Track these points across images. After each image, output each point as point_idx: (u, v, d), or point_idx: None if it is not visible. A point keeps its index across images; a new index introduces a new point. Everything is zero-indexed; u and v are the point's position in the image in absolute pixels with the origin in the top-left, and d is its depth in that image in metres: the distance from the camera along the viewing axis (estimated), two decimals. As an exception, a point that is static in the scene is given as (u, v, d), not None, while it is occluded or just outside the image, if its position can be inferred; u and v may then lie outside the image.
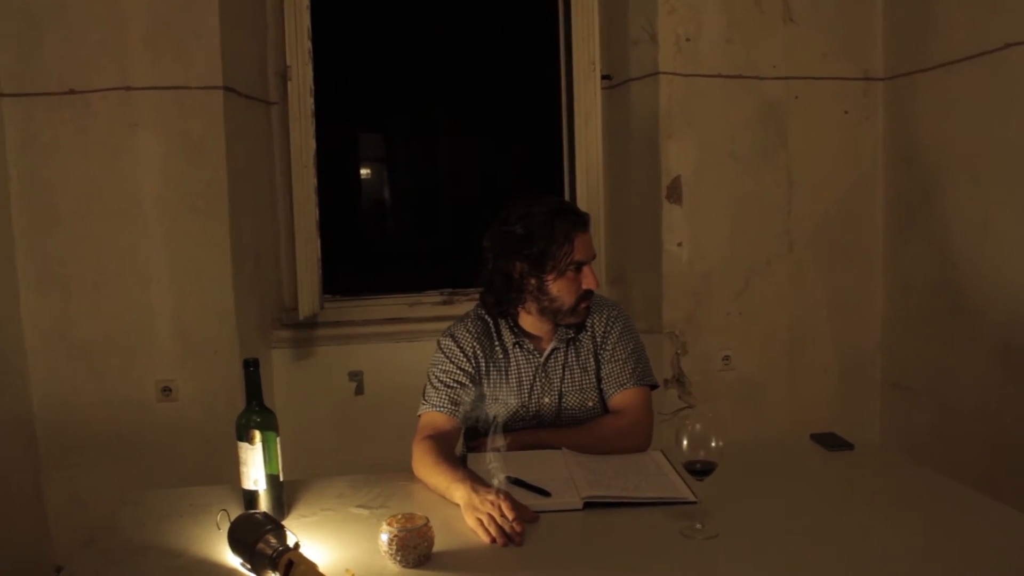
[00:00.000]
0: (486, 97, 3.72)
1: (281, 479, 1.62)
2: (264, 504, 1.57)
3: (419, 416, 1.93)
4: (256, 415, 1.58)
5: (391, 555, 1.37)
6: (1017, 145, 2.69)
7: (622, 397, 1.98)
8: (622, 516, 1.57)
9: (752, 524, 1.53)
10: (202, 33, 2.90)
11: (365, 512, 1.64)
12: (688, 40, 3.16)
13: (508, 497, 1.52)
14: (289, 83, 2.95)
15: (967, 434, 2.98)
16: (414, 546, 1.37)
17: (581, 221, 1.90)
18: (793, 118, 3.27)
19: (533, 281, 1.89)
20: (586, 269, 1.90)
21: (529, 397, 1.98)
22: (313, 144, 2.94)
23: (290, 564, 1.29)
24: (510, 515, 1.47)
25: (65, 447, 2.98)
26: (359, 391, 3.35)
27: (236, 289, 3.00)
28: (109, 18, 2.85)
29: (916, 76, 3.12)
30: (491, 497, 1.52)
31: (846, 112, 3.31)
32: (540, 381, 1.98)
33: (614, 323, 2.02)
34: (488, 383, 1.96)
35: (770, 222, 3.29)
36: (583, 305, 1.93)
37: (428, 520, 1.41)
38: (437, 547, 1.43)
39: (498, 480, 1.53)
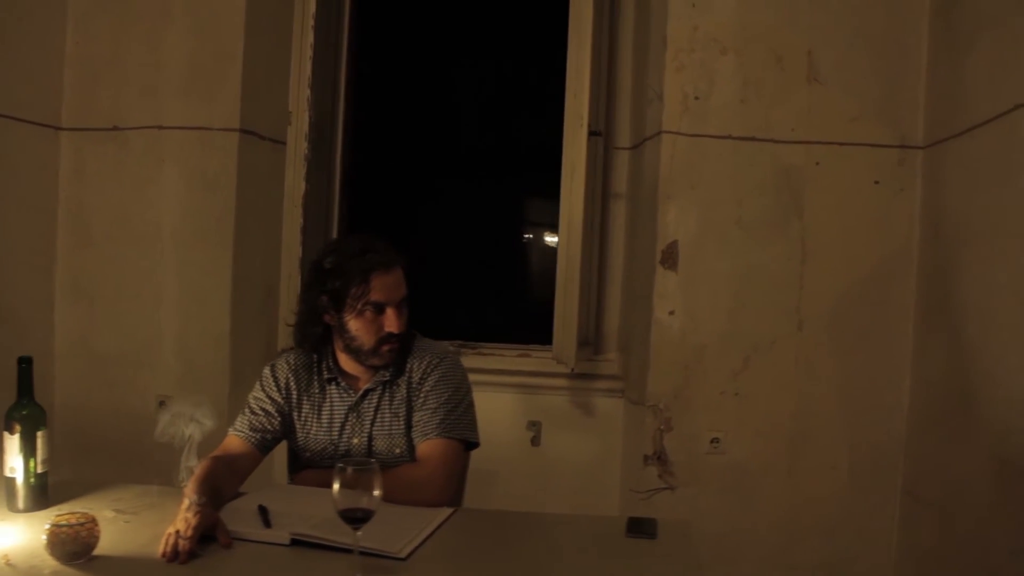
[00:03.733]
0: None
1: (41, 471, 1.88)
2: (21, 492, 1.85)
3: None
4: (23, 409, 1.83)
5: (47, 548, 1.55)
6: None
7: (424, 447, 2.01)
8: (319, 558, 1.62)
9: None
10: (226, 79, 3.31)
11: (113, 515, 1.81)
12: (697, 99, 3.13)
13: (201, 517, 1.62)
14: (289, 128, 3.30)
15: (971, 561, 2.68)
16: (64, 543, 1.51)
17: (384, 262, 1.97)
18: (812, 186, 3.11)
19: (334, 318, 2.01)
20: (389, 311, 1.98)
21: (339, 436, 2.06)
22: (303, 186, 3.23)
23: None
24: (185, 534, 1.60)
25: (76, 447, 3.46)
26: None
27: (234, 317, 3.34)
28: (152, 62, 3.33)
29: (950, 143, 2.90)
30: (187, 514, 1.64)
31: (877, 182, 3.10)
32: (351, 421, 2.07)
33: (433, 370, 2.07)
34: (299, 416, 2.08)
35: (778, 297, 3.12)
36: (385, 347, 2.00)
37: (93, 521, 1.56)
38: (111, 551, 1.58)
39: (190, 499, 1.69)
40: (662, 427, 3.15)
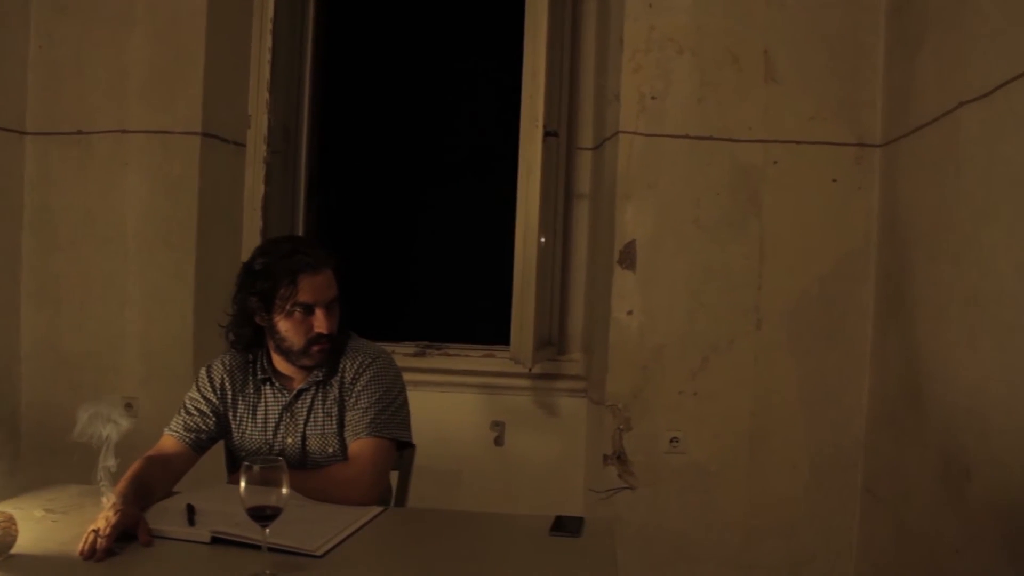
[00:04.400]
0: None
1: None
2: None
3: None
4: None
5: None
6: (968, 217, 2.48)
7: (355, 446, 2.05)
8: (237, 555, 1.65)
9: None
10: (188, 82, 3.35)
11: (42, 514, 1.86)
12: (654, 99, 3.15)
13: (121, 516, 1.66)
14: (248, 131, 3.35)
15: (922, 560, 2.70)
16: None
17: (311, 263, 2.01)
18: (770, 185, 3.13)
19: (265, 319, 2.04)
20: (318, 312, 2.01)
21: (274, 436, 2.10)
22: (263, 188, 3.27)
23: None
24: (103, 532, 1.62)
25: (43, 447, 3.51)
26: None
27: (197, 318, 3.38)
28: (114, 67, 3.37)
29: (904, 141, 2.92)
30: (107, 513, 1.68)
31: (835, 181, 3.12)
32: (285, 421, 2.10)
33: (364, 371, 2.10)
34: (234, 416, 2.13)
35: (736, 297, 3.14)
36: (315, 348, 2.04)
37: (11, 520, 1.58)
38: (32, 549, 1.62)
39: (107, 497, 1.73)
40: (621, 427, 3.18)
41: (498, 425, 3.53)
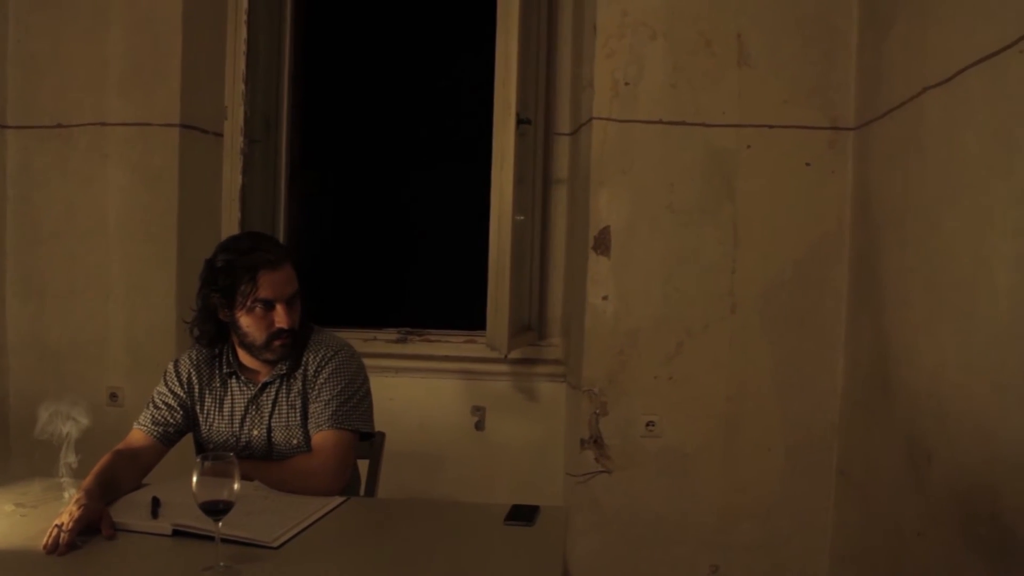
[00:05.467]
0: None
1: None
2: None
3: None
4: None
5: None
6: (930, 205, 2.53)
7: (317, 438, 2.13)
8: (197, 547, 1.71)
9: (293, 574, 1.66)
10: (166, 74, 3.41)
11: (12, 508, 1.95)
12: (627, 84, 3.20)
13: (85, 511, 1.73)
14: (226, 122, 3.41)
15: (886, 541, 2.77)
16: None
17: (270, 260, 2.08)
18: (743, 169, 3.17)
19: (227, 314, 2.12)
20: (279, 307, 2.08)
21: (240, 428, 2.18)
22: (240, 179, 3.34)
23: None
24: (66, 527, 1.71)
25: (30, 439, 3.61)
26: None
27: (180, 309, 3.45)
28: (93, 59, 3.43)
29: (874, 125, 2.97)
30: (71, 507, 1.75)
31: (808, 164, 3.16)
32: (251, 414, 2.18)
33: (326, 364, 2.18)
34: (201, 410, 2.21)
35: (711, 281, 3.19)
36: (277, 343, 2.11)
37: None
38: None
39: (70, 493, 1.81)
40: (597, 411, 3.25)
41: (479, 410, 3.61)
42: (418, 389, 3.60)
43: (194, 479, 1.63)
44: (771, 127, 3.17)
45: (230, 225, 3.40)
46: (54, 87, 3.49)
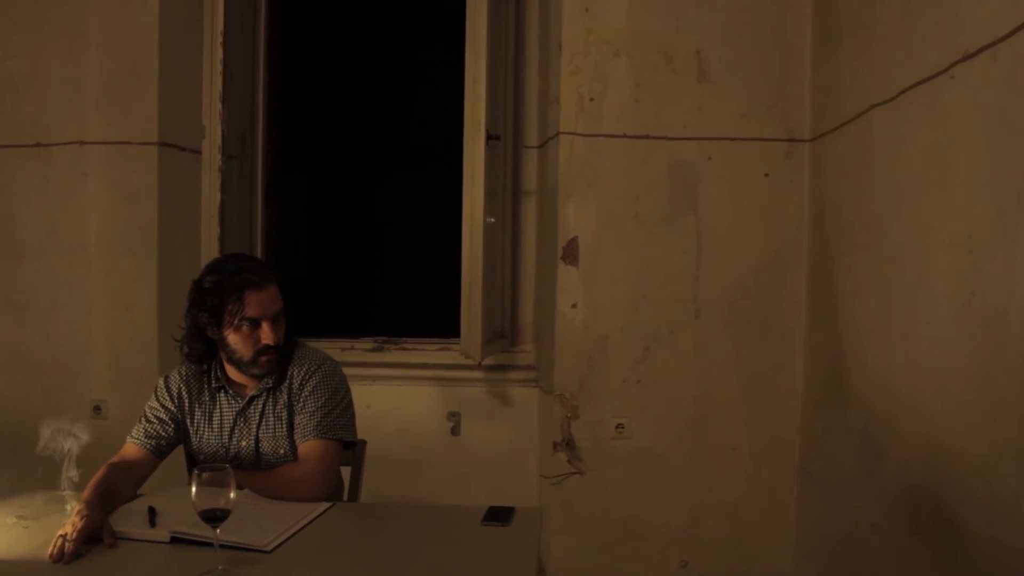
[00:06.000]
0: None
1: None
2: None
3: None
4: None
5: None
6: (875, 221, 2.71)
7: (303, 448, 2.27)
8: (195, 553, 1.85)
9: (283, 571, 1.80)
10: (143, 94, 3.53)
11: (14, 520, 2.07)
12: (592, 100, 3.36)
13: (87, 521, 1.86)
14: (203, 141, 3.54)
15: (845, 534, 2.95)
16: None
17: (256, 280, 2.21)
18: (705, 180, 3.34)
19: (216, 332, 2.25)
20: (265, 325, 2.22)
21: (229, 439, 2.31)
22: (219, 196, 3.46)
23: None
24: (70, 537, 1.85)
25: (14, 453, 3.70)
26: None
27: (161, 323, 3.59)
28: (71, 80, 3.55)
29: (828, 137, 3.15)
30: (74, 518, 1.88)
31: (767, 175, 3.35)
32: (240, 426, 2.31)
33: (311, 377, 2.32)
34: (191, 423, 2.34)
35: (675, 288, 3.37)
36: (263, 358, 2.25)
37: None
38: (3, 554, 1.82)
39: (71, 504, 1.94)
40: (569, 415, 3.41)
41: (454, 416, 3.76)
42: (395, 396, 3.75)
43: (193, 489, 1.76)
44: (731, 140, 3.35)
45: (209, 240, 3.52)
46: (33, 107, 3.60)
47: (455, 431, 3.75)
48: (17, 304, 3.64)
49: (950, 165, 2.25)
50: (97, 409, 3.61)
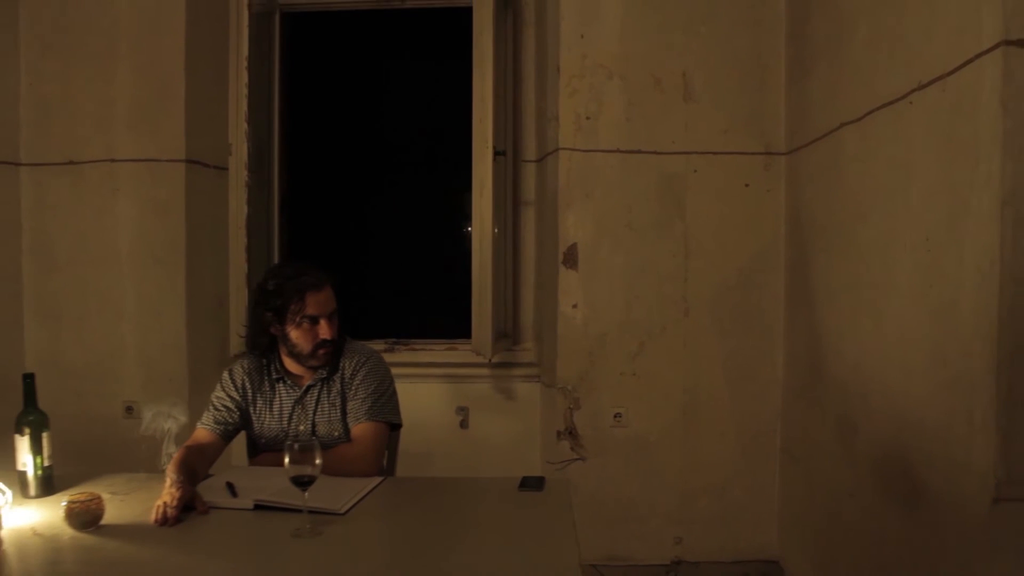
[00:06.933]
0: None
1: (47, 464, 2.47)
2: (32, 483, 2.43)
3: None
4: (30, 415, 2.43)
5: (65, 520, 2.14)
6: (853, 226, 3.14)
7: (357, 430, 2.63)
8: (277, 518, 2.18)
9: (361, 532, 2.14)
10: (170, 114, 3.87)
11: (109, 496, 2.38)
12: (588, 118, 3.76)
13: (183, 491, 2.20)
14: (230, 158, 3.89)
15: (824, 505, 3.37)
16: (79, 515, 2.08)
17: (315, 283, 2.57)
18: (691, 191, 3.76)
19: (279, 329, 2.61)
20: (323, 322, 2.58)
21: (288, 424, 2.67)
22: (245, 209, 3.80)
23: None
24: (172, 504, 2.19)
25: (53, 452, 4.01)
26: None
27: (189, 328, 3.92)
28: (101, 101, 3.88)
29: (802, 151, 3.58)
30: (171, 489, 2.22)
31: (747, 185, 3.77)
32: (297, 412, 2.67)
33: (360, 367, 2.68)
34: (254, 410, 2.70)
35: (666, 289, 3.78)
36: (321, 351, 2.60)
37: (99, 498, 2.14)
38: (113, 521, 2.15)
39: (172, 478, 2.29)
40: (571, 406, 3.79)
41: (462, 410, 4.13)
42: (407, 393, 4.03)
43: (286, 459, 2.11)
44: (714, 153, 3.77)
45: (238, 251, 3.85)
46: (64, 127, 3.92)
47: (464, 424, 4.12)
48: (52, 313, 3.95)
49: (910, 177, 2.67)
50: (129, 409, 3.92)
